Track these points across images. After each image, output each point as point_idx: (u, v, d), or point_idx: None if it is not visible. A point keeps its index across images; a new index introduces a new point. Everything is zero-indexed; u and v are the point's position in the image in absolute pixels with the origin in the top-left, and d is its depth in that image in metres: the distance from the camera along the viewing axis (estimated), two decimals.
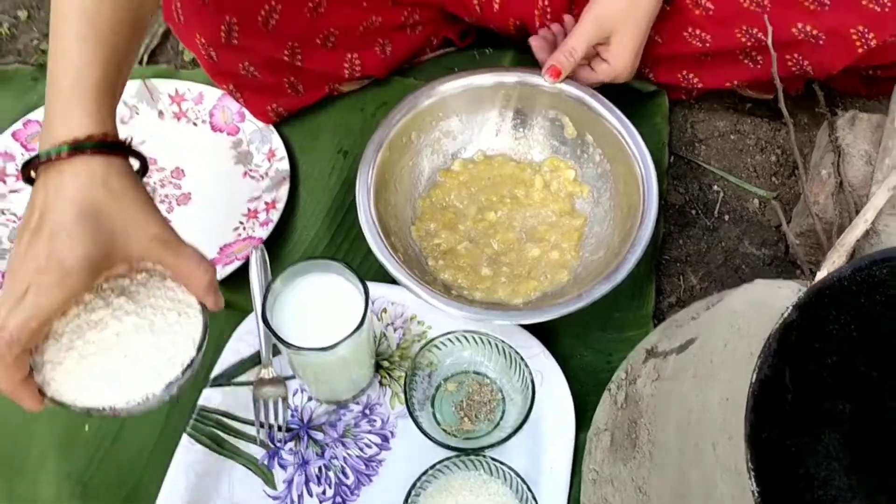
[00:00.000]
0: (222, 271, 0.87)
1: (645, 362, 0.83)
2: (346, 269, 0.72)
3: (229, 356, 0.82)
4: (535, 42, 0.92)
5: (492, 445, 0.76)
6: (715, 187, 0.96)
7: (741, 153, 0.99)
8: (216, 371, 0.82)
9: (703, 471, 0.69)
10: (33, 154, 0.59)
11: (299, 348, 0.69)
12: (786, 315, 0.61)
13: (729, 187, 0.96)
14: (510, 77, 0.91)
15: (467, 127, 0.93)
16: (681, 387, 0.75)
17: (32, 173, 0.59)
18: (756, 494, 0.56)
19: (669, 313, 0.88)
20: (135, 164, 0.63)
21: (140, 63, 1.10)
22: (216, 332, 0.86)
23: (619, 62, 0.88)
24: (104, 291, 0.62)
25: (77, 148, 0.58)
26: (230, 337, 0.83)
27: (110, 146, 0.59)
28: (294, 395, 0.82)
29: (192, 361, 0.61)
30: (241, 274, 0.85)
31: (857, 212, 0.84)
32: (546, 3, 0.92)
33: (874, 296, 0.62)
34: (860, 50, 0.83)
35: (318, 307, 0.72)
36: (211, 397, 0.80)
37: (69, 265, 0.56)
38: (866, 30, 0.82)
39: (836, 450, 0.60)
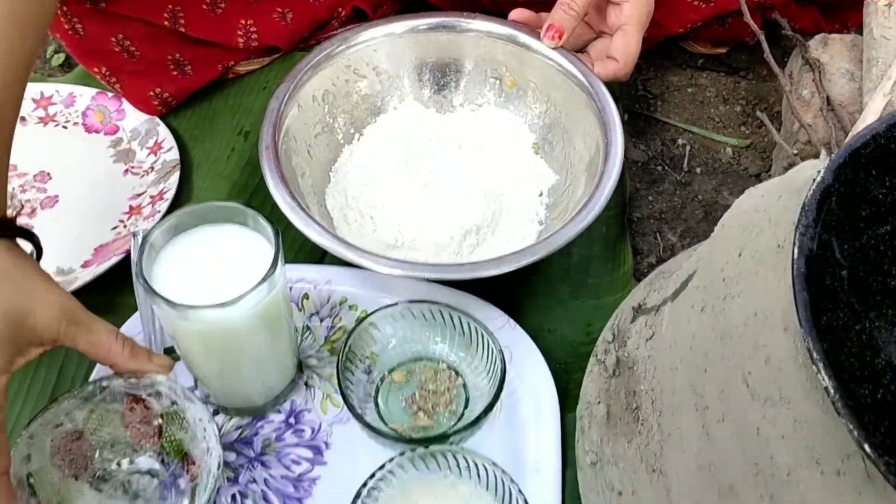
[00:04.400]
0: (97, 270, 0.69)
1: (633, 321, 0.67)
2: (248, 213, 0.56)
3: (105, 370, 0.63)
4: (515, 14, 0.77)
5: (457, 433, 0.58)
6: (680, 141, 0.84)
7: (703, 105, 0.87)
8: None
9: (736, 419, 0.52)
10: None
11: (189, 307, 0.51)
12: (818, 179, 0.47)
13: (696, 140, 0.84)
14: (429, 21, 0.78)
15: (386, 85, 0.79)
16: (687, 330, 0.59)
17: None
18: (832, 391, 0.40)
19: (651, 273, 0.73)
20: (26, 246, 0.57)
21: None
22: None
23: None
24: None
25: None
26: None
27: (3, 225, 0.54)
28: None
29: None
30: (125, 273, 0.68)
31: (852, 125, 0.73)
32: None
33: None
34: None
35: (213, 263, 0.55)
36: None
37: None
38: None
39: None
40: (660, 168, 0.82)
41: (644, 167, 0.82)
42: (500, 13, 0.88)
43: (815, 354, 0.41)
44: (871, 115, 0.69)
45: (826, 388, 0.40)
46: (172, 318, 0.53)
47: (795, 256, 0.45)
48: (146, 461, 0.57)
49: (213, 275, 0.55)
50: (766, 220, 0.53)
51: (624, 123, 0.84)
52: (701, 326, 0.57)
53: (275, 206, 0.65)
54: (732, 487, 0.52)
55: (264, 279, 0.52)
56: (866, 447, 0.39)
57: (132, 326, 0.65)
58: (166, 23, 0.76)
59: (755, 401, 0.50)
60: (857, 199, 0.48)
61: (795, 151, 0.73)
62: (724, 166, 0.82)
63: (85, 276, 0.69)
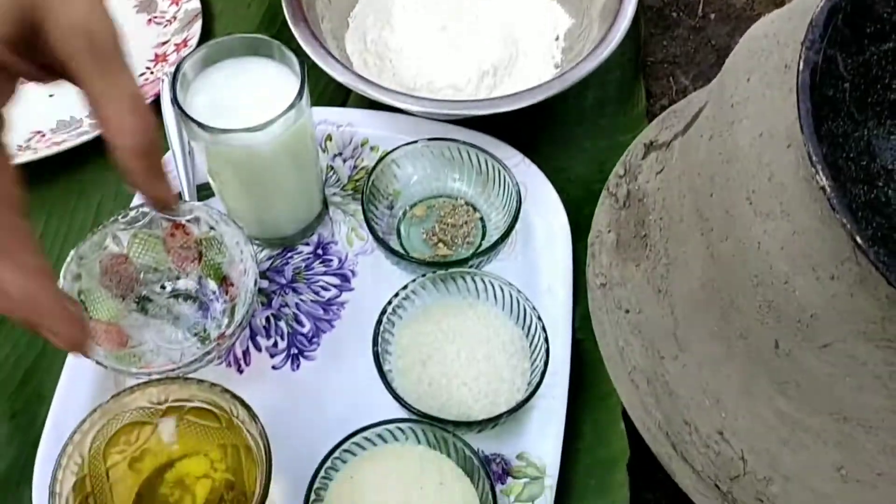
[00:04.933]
0: None
1: (645, 157, 0.70)
2: (274, 45, 0.58)
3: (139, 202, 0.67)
4: None
5: (475, 256, 0.62)
6: None
7: None
8: None
9: (738, 236, 0.55)
10: None
11: (222, 130, 0.54)
12: None
13: None
14: None
15: None
16: (695, 159, 0.62)
17: None
18: (828, 189, 0.43)
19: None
20: None
21: None
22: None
23: None
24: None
25: None
26: None
27: None
28: None
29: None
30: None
31: None
32: None
33: None
34: None
35: (242, 94, 0.58)
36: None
37: None
38: None
39: None
40: (674, 14, 0.83)
41: (659, 13, 0.82)
42: None
43: (814, 157, 0.44)
44: None
45: (823, 188, 0.43)
46: (206, 145, 0.56)
47: (801, 69, 0.47)
48: (187, 284, 0.61)
49: (243, 104, 0.57)
50: (774, 43, 0.54)
51: None
52: (709, 153, 0.59)
53: (297, 49, 0.67)
54: (733, 301, 0.56)
55: (291, 106, 0.55)
56: (858, 239, 0.42)
57: (164, 164, 0.68)
58: None
59: (757, 217, 0.52)
60: (863, 18, 0.49)
61: None
62: (737, 12, 0.82)
63: None
